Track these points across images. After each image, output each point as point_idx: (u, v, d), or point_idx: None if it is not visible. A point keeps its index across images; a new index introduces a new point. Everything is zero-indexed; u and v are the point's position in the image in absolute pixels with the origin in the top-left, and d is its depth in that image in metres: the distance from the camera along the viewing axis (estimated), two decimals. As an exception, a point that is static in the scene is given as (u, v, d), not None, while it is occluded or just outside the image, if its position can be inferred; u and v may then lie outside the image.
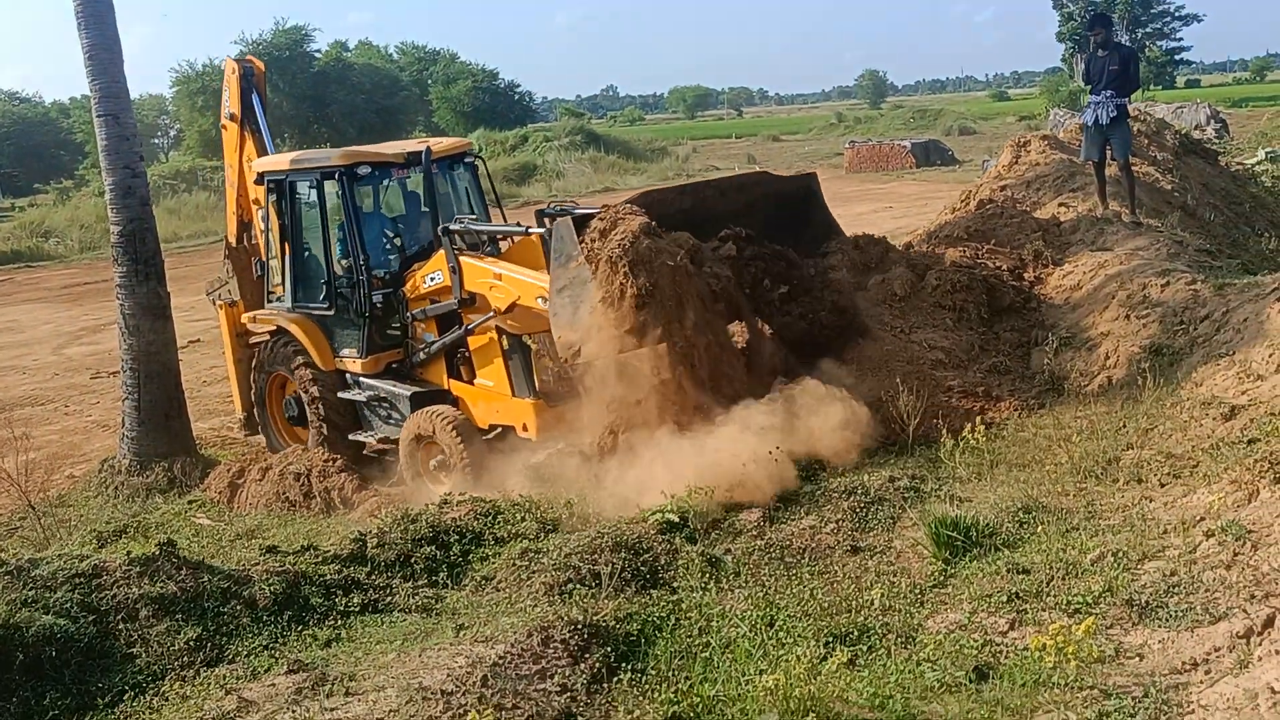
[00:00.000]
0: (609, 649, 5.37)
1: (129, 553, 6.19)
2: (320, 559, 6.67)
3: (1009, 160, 13.50)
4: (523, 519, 7.41)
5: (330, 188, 10.80)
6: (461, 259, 9.93)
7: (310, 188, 10.98)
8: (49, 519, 10.47)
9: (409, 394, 10.42)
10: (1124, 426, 7.34)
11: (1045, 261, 9.88)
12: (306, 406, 11.23)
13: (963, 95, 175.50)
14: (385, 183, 11.27)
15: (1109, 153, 11.26)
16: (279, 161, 11.54)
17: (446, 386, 10.45)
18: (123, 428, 11.92)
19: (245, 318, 12.10)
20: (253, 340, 12.12)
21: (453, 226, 10.05)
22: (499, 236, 10.60)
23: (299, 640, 5.89)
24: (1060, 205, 11.57)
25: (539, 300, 9.03)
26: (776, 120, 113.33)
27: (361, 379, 10.92)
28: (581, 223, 8.29)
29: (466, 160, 11.44)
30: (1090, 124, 11.11)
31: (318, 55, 72.02)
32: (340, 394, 11.04)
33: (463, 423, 9.80)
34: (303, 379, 11.16)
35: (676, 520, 6.83)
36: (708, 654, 5.43)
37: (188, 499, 10.87)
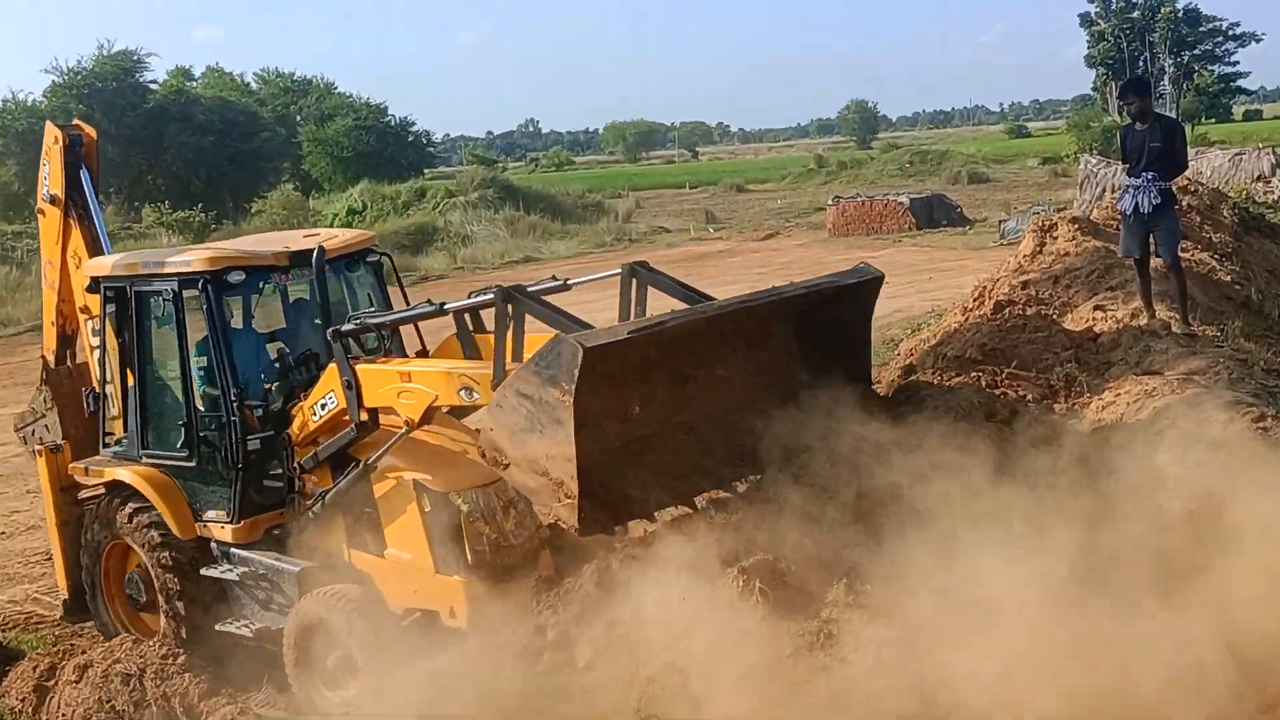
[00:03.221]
0: None
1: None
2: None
3: (1032, 248, 13.82)
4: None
5: (191, 300, 10.53)
6: (359, 367, 9.70)
7: (165, 300, 10.72)
8: None
9: (297, 570, 10.16)
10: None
11: (1080, 389, 10.10)
12: (156, 587, 10.91)
13: (972, 130, 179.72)
14: (263, 288, 11.14)
15: (1153, 246, 11.59)
16: (123, 264, 11.25)
17: (348, 559, 10.09)
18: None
19: (73, 467, 11.72)
20: (83, 495, 11.77)
21: (345, 328, 9.83)
22: (400, 327, 10.52)
23: None
24: (1096, 309, 11.85)
25: (461, 393, 8.95)
26: (741, 163, 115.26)
27: (232, 550, 10.64)
28: (600, 356, 7.99)
29: (369, 259, 11.42)
30: (1129, 212, 11.42)
31: (154, 87, 72.27)
32: (204, 570, 10.73)
33: (371, 606, 9.56)
34: (152, 550, 10.82)
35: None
36: None
37: (-20, 708, 10.65)
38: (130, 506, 10.96)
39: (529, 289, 9.39)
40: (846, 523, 8.23)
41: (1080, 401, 10.11)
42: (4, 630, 12.51)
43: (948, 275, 29.58)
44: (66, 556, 11.85)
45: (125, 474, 10.99)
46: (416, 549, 9.54)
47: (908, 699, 6.84)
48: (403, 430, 9.41)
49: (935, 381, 10.25)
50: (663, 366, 8.89)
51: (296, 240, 11.16)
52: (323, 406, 9.96)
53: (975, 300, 12.85)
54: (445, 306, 9.89)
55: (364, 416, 9.63)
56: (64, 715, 10.14)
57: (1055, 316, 11.83)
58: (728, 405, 9.32)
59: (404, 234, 48.70)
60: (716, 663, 7.46)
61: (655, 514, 8.88)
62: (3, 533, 15.85)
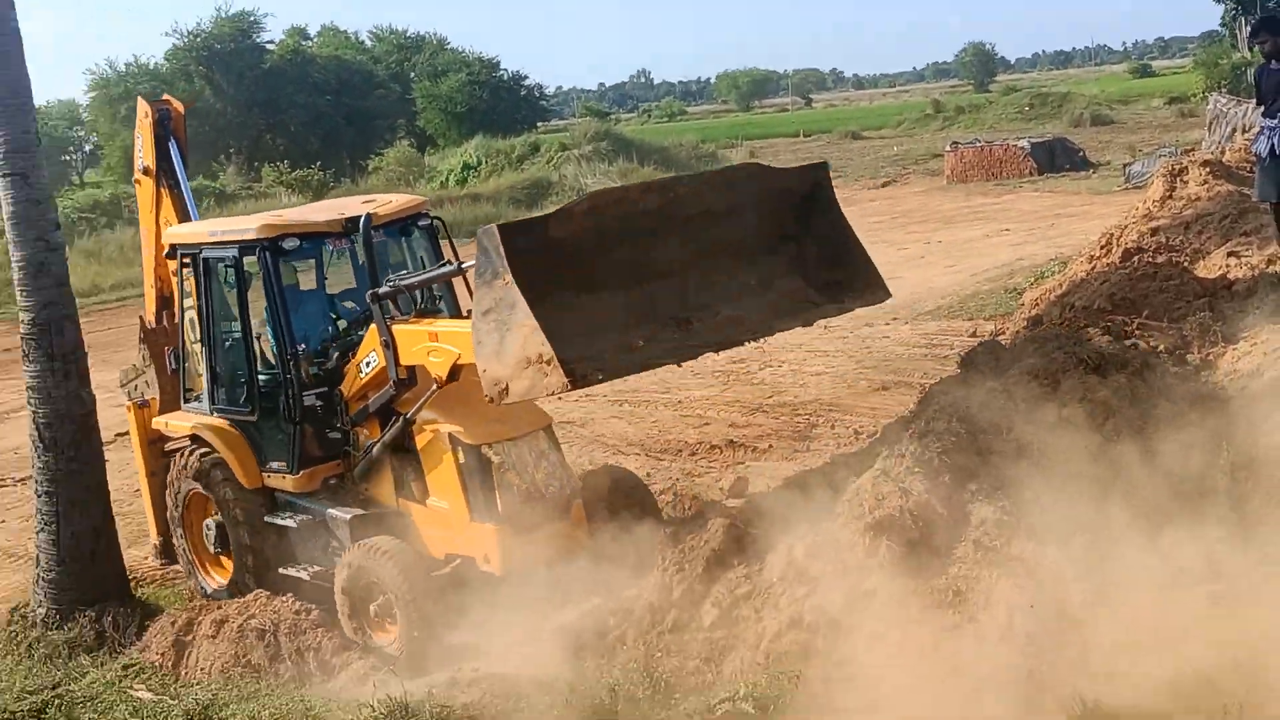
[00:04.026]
0: None
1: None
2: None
3: (1162, 193, 13.51)
4: (551, 705, 7.45)
5: (251, 265, 11.17)
6: (395, 327, 10.12)
7: (228, 265, 11.35)
8: (-59, 691, 10.59)
9: (349, 518, 10.68)
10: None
11: (1214, 339, 9.84)
12: (227, 532, 11.49)
13: (1094, 70, 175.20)
14: (319, 254, 11.80)
15: (1291, 189, 11.24)
16: (194, 232, 11.97)
17: (396, 507, 10.64)
18: (37, 566, 12.07)
19: (156, 421, 12.44)
20: (168, 447, 12.45)
21: (381, 290, 10.23)
22: (434, 285, 10.95)
23: None
24: (1230, 256, 11.54)
25: None
26: (856, 111, 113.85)
27: (293, 500, 11.22)
28: (516, 231, 8.44)
29: (421, 224, 11.75)
30: (1265, 154, 11.10)
31: (270, 47, 73.23)
32: (268, 518, 11.31)
33: (408, 557, 9.99)
34: (223, 499, 11.42)
35: (751, 712, 6.85)
36: None
37: (122, 662, 10.93)
38: (206, 458, 11.59)
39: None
40: (975, 477, 8.09)
41: (1215, 352, 9.84)
42: (142, 586, 12.87)
43: (1071, 221, 28.94)
44: (155, 505, 12.66)
45: (201, 427, 11.65)
46: (453, 498, 10.04)
47: (1037, 662, 6.76)
48: (432, 389, 9.84)
49: (1064, 331, 10.05)
50: (611, 242, 8.80)
51: (352, 207, 11.59)
52: (367, 365, 10.46)
53: (1102, 248, 12.60)
54: (463, 266, 10.20)
55: (402, 374, 10.08)
56: (202, 669, 10.41)
57: (1187, 264, 11.54)
58: (696, 281, 9.30)
59: (519, 189, 48.96)
60: (845, 620, 7.44)
61: (636, 363, 8.87)
62: (137, 491, 16.24)
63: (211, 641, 10.58)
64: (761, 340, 10.63)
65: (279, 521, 11.25)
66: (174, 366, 12.44)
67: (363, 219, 10.77)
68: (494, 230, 8.19)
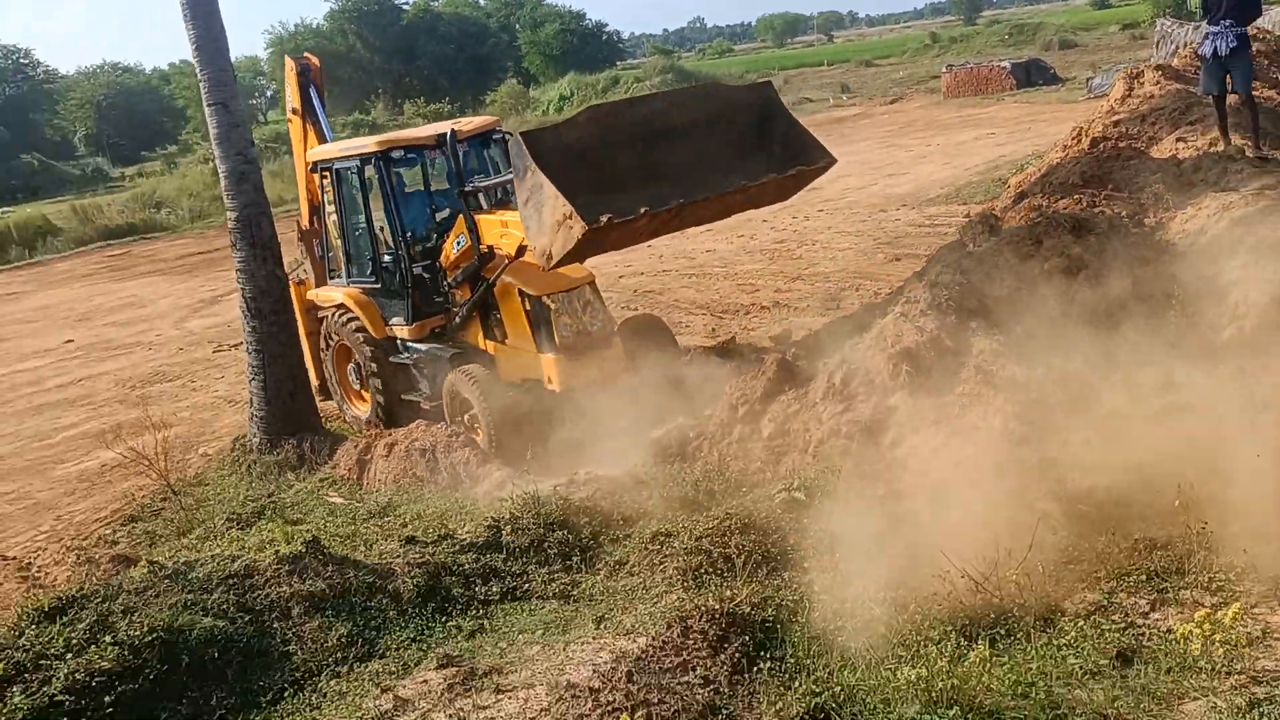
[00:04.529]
0: (747, 637, 5.46)
1: (277, 551, 6.44)
2: (457, 548, 6.87)
3: (1122, 93, 13.00)
4: (649, 497, 7.52)
5: (370, 172, 11.67)
6: (478, 217, 10.74)
7: (354, 173, 11.91)
8: (188, 499, 10.91)
9: (448, 355, 11.31)
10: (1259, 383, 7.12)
11: (1166, 206, 9.54)
12: (364, 371, 12.17)
13: (1061, 4, 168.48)
14: (426, 162, 12.24)
15: (1229, 84, 10.78)
16: (329, 150, 12.48)
17: (482, 346, 11.24)
18: (250, 406, 12.30)
19: (310, 294, 13.05)
20: (319, 314, 12.95)
21: (466, 189, 10.86)
22: (506, 186, 10.97)
23: (444, 632, 6.11)
24: (1178, 141, 11.13)
25: None
26: (869, 44, 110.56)
27: (409, 344, 11.81)
28: (535, 135, 8.91)
29: (495, 138, 12.09)
30: (1209, 55, 10.62)
31: (405, 8, 72.45)
32: (392, 359, 11.94)
33: (484, 378, 10.62)
34: (360, 346, 12.07)
35: (803, 498, 6.87)
36: (844, 639, 5.49)
37: (318, 476, 11.19)
38: (346, 317, 12.27)
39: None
40: (975, 316, 7.97)
41: (1166, 216, 9.57)
42: (329, 422, 13.10)
43: (1045, 125, 28.06)
44: (313, 357, 13.20)
45: (340, 295, 12.37)
46: (523, 337, 10.68)
47: (1028, 456, 6.70)
48: (505, 262, 10.46)
49: (1044, 204, 9.80)
50: (611, 144, 9.08)
51: (443, 126, 11.96)
52: (458, 245, 11.09)
53: (1074, 139, 12.19)
54: None
55: (483, 251, 10.76)
56: (379, 480, 10.61)
57: (1143, 149, 11.15)
58: (686, 177, 9.34)
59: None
60: (873, 429, 7.42)
61: (644, 212, 8.82)
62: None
63: (385, 460, 10.77)
64: (776, 207, 11.19)
65: (400, 361, 11.90)
66: (320, 254, 13.04)
67: (449, 134, 11.31)
68: (519, 136, 8.81)
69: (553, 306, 10.42)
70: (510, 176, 10.55)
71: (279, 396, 12.01)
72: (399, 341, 11.92)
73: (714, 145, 9.63)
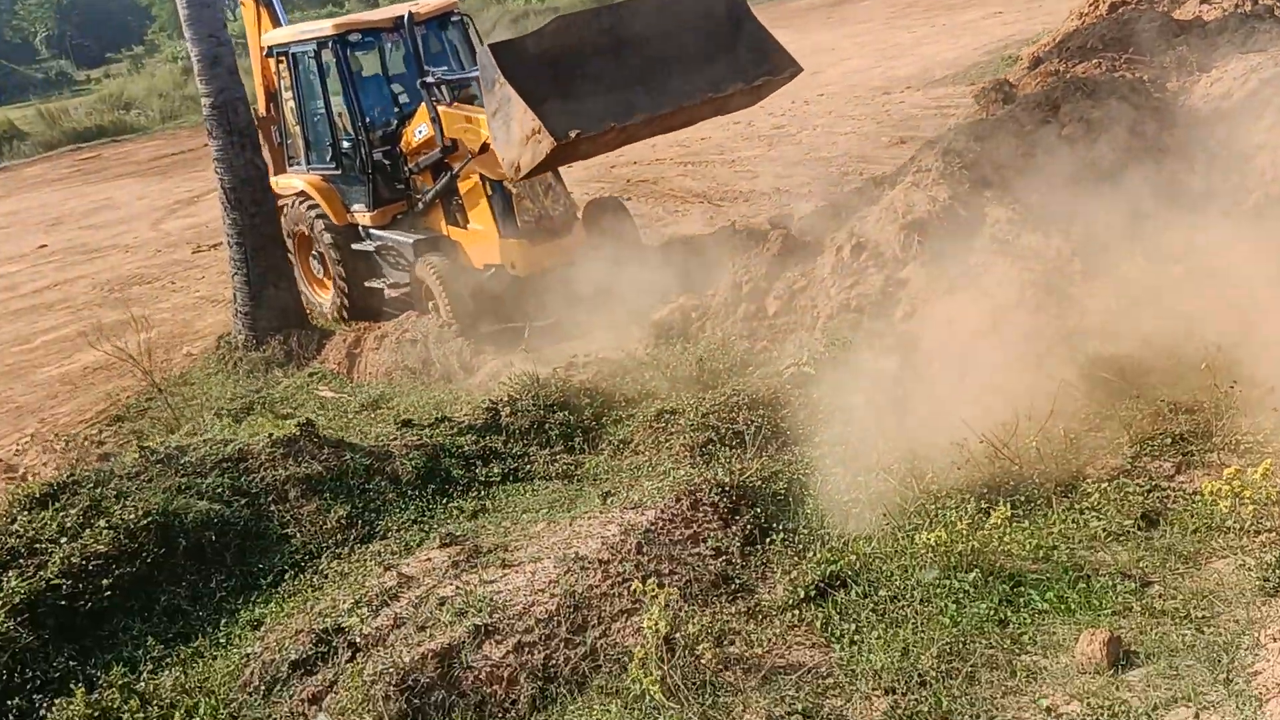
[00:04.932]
0: (758, 509, 5.47)
1: (270, 435, 6.41)
2: (456, 430, 6.86)
3: (1141, -45, 12.72)
4: (651, 378, 7.48)
5: (327, 56, 11.70)
6: (440, 108, 10.77)
7: (310, 57, 11.90)
8: (175, 398, 10.87)
9: (411, 241, 11.44)
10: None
11: (1190, 69, 9.38)
12: (326, 258, 12.26)
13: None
14: (384, 45, 12.05)
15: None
16: (284, 35, 12.45)
17: (445, 232, 11.42)
18: (234, 303, 12.18)
19: (271, 182, 12.88)
20: (280, 203, 12.86)
21: (429, 79, 10.87)
22: (474, 87, 11.11)
23: (445, 513, 6.12)
24: (1203, 3, 10.92)
25: None
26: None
27: (371, 231, 11.96)
28: (503, 46, 9.03)
29: (453, 19, 12.12)
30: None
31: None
32: (354, 246, 12.06)
33: (446, 268, 10.84)
34: (321, 233, 12.18)
35: (812, 372, 6.83)
36: (858, 510, 5.50)
37: (308, 371, 11.12)
38: (306, 204, 12.36)
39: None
40: (990, 185, 7.86)
41: (1191, 80, 9.41)
42: (313, 319, 13.00)
43: (1054, 2, 27.55)
44: None
45: (300, 182, 12.42)
46: (486, 222, 10.86)
47: (1045, 324, 6.66)
48: (469, 157, 10.49)
49: (1062, 69, 9.61)
50: (579, 54, 9.17)
51: (400, 8, 11.98)
52: (419, 133, 11.18)
53: (1091, 4, 11.95)
54: None
55: (447, 142, 10.75)
56: (370, 373, 10.57)
57: (1166, 10, 10.94)
58: (654, 85, 9.54)
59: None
60: (884, 302, 7.36)
61: (612, 124, 9.02)
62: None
63: (375, 352, 10.72)
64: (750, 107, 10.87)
65: (362, 248, 12.04)
66: (279, 141, 13.02)
67: (406, 16, 11.45)
68: (486, 49, 8.89)
69: (514, 191, 10.59)
70: (474, 74, 10.69)
71: (263, 290, 11.89)
72: (361, 228, 12.10)
73: (682, 53, 9.77)
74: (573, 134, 8.59)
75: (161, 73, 43.53)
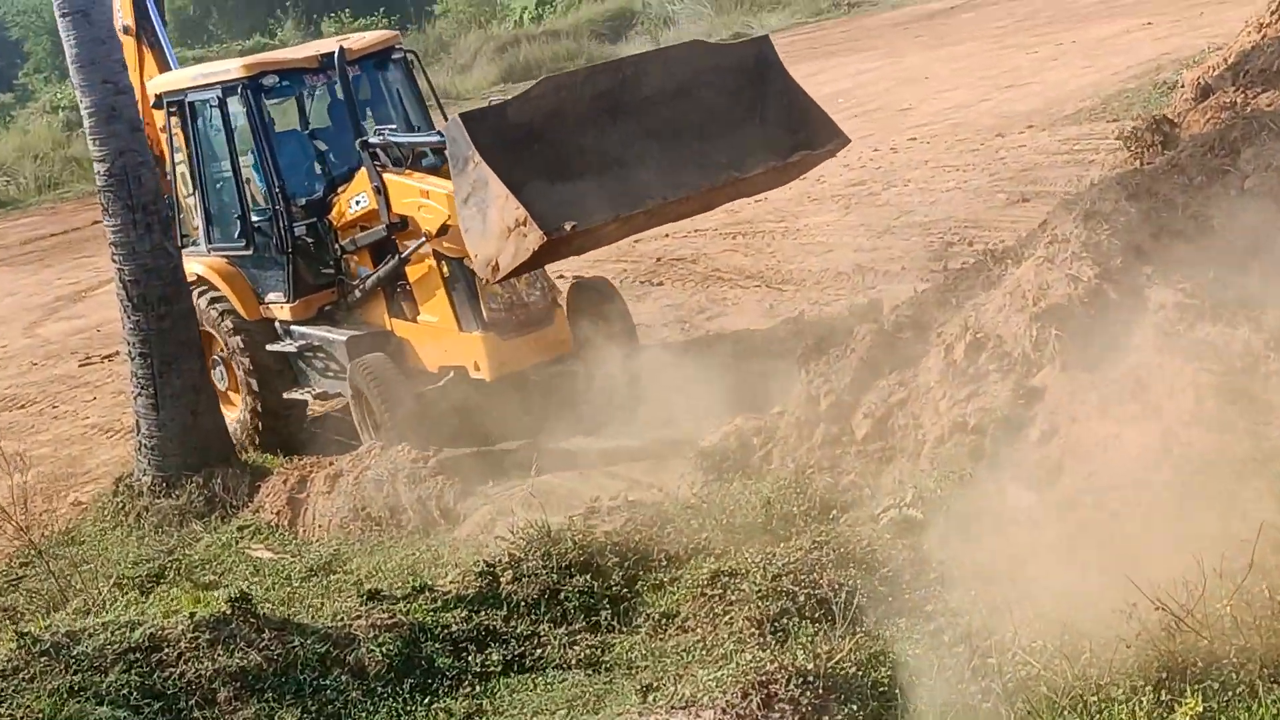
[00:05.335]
0: (854, 707, 5.45)
1: (191, 614, 6.46)
2: (439, 603, 6.92)
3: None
4: (702, 527, 7.52)
5: (235, 106, 12.15)
6: (385, 176, 11.23)
7: (213, 107, 12.36)
8: (61, 562, 10.92)
9: (345, 339, 11.80)
10: None
11: None
12: (232, 364, 12.71)
13: None
14: (304, 92, 12.58)
15: None
16: (179, 78, 12.94)
17: (388, 327, 11.88)
18: (138, 433, 12.31)
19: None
20: None
21: (371, 140, 11.34)
22: (426, 149, 11.56)
23: (428, 716, 6.11)
24: None
25: None
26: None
27: (293, 327, 12.40)
28: (477, 117, 9.56)
29: (394, 57, 12.69)
30: None
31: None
32: (270, 346, 12.47)
33: (388, 373, 11.19)
34: (226, 333, 12.57)
35: (919, 517, 6.85)
36: (990, 705, 5.47)
37: (236, 524, 11.19)
38: (206, 296, 12.74)
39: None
40: (1150, 258, 7.92)
41: None
42: (246, 451, 13.11)
43: (1223, 9, 27.92)
44: None
45: (198, 266, 12.79)
46: (442, 312, 11.28)
47: (1236, 447, 6.66)
48: (423, 240, 10.91)
49: (1239, 100, 9.75)
50: (570, 124, 9.69)
51: (328, 45, 12.48)
52: (357, 203, 11.64)
53: (1272, 13, 12.12)
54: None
55: (394, 219, 11.19)
56: (320, 526, 10.66)
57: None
58: (662, 162, 9.94)
59: (599, 22, 48.25)
60: (1015, 418, 7.38)
61: (614, 215, 9.49)
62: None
63: (327, 497, 10.83)
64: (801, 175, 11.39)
65: (280, 349, 12.43)
66: (168, 214, 13.03)
67: (336, 53, 11.84)
68: (457, 119, 9.30)
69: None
70: (431, 139, 11.24)
71: (178, 417, 12.02)
72: (278, 325, 12.51)
73: (696, 120, 10.22)
74: (567, 226, 8.96)
75: (38, 127, 44.41)
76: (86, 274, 23.87)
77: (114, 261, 12.10)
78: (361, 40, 12.68)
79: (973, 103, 23.90)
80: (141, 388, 12.13)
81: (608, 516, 7.84)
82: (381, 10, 56.51)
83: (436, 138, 11.03)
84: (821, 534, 6.96)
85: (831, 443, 8.14)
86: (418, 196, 11.02)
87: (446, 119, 12.51)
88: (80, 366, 18.17)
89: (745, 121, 10.46)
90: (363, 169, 11.44)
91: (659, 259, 17.52)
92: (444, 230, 10.66)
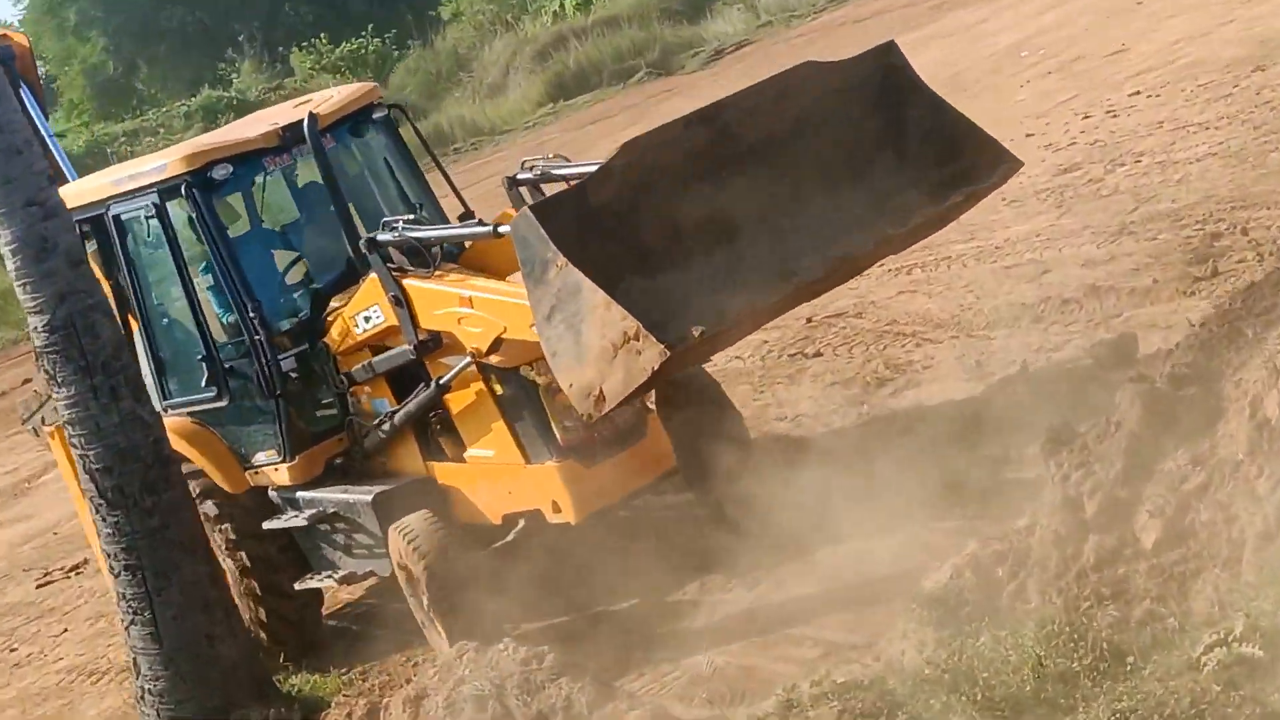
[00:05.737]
0: None
1: None
2: None
3: None
4: (943, 706, 7.47)
5: (178, 210, 12.41)
6: (405, 283, 11.53)
7: (148, 218, 12.67)
8: None
9: (369, 498, 11.94)
10: None
11: None
12: (219, 556, 12.62)
13: None
14: (259, 180, 13.03)
15: None
16: (93, 188, 13.22)
17: (426, 473, 12.10)
18: (136, 676, 12.31)
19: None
20: None
21: (381, 236, 11.67)
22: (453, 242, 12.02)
23: None
24: None
25: (534, 328, 10.07)
26: None
27: (295, 494, 12.56)
28: (550, 208, 9.86)
29: (376, 116, 13.16)
30: None
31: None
32: (267, 525, 12.64)
33: (431, 533, 11.33)
34: (208, 521, 12.61)
35: (1258, 654, 6.76)
36: None
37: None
38: None
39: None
40: None
41: None
42: (285, 678, 13.08)
43: None
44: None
45: None
46: (500, 444, 11.50)
47: None
48: (469, 359, 11.19)
49: None
50: (666, 194, 10.02)
51: (285, 113, 12.84)
52: (366, 319, 11.97)
53: None
54: (499, 230, 10.95)
55: (423, 336, 11.51)
56: (409, 765, 10.67)
57: None
58: (785, 222, 10.31)
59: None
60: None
61: (740, 311, 9.80)
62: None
63: (413, 726, 10.84)
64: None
65: (280, 525, 12.64)
66: None
67: (306, 122, 12.09)
68: (527, 214, 9.55)
69: (541, 381, 11.06)
70: (468, 230, 11.71)
71: (187, 646, 12.04)
72: (274, 494, 12.74)
73: (822, 165, 10.52)
74: (695, 333, 9.20)
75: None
76: (28, 455, 24.22)
77: (73, 445, 12.07)
78: (332, 100, 12.97)
79: (1210, 28, 23.72)
80: (134, 612, 12.10)
81: (812, 710, 7.79)
82: (371, 28, 57.31)
83: (476, 228, 11.46)
84: (1122, 696, 6.86)
85: (1109, 560, 8.05)
86: (455, 305, 11.27)
87: (448, 180, 13.28)
88: (39, 588, 18.33)
89: (882, 157, 10.72)
90: (372, 276, 11.68)
91: (809, 319, 17.40)
92: (497, 345, 10.95)
